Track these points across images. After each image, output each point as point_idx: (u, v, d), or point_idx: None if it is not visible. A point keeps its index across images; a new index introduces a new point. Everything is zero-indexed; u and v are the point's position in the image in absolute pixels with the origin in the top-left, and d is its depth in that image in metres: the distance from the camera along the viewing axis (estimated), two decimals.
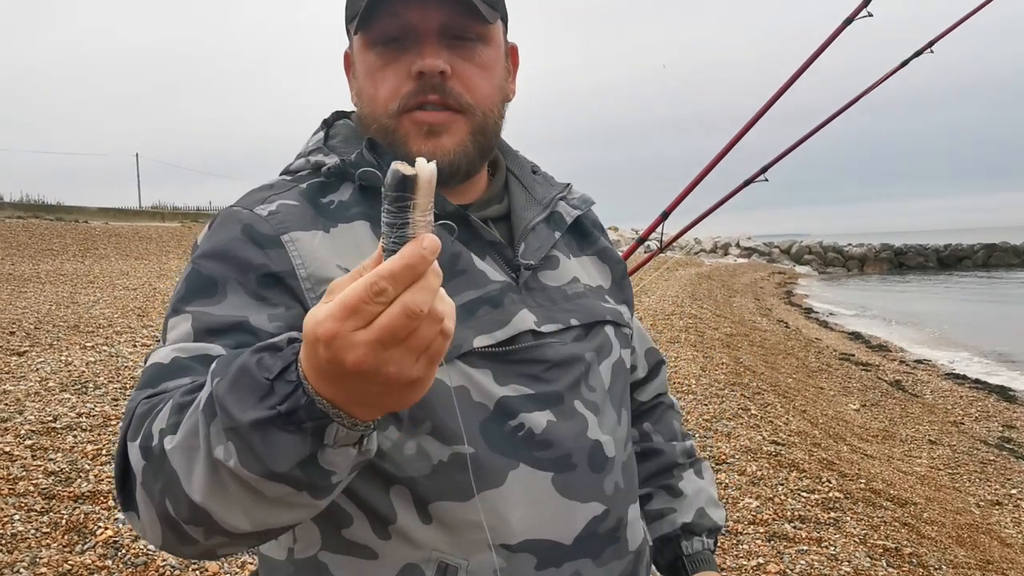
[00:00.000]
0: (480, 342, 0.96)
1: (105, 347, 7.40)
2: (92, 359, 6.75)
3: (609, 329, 1.10)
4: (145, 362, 0.87)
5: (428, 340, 0.61)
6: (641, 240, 2.57)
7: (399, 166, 0.59)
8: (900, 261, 45.80)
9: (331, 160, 1.02)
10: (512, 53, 1.10)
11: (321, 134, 1.10)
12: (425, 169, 0.59)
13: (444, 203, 0.99)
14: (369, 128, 1.03)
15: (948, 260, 45.96)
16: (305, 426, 0.65)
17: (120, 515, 3.56)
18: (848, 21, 2.49)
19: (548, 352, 1.01)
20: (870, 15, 2.43)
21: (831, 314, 20.99)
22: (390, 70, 0.99)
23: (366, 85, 1.02)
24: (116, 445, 0.81)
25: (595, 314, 1.08)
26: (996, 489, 6.40)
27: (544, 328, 1.01)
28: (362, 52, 1.02)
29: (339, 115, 1.14)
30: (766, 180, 2.67)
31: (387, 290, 0.58)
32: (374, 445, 0.72)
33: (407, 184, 0.59)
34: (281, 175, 1.07)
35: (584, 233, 1.17)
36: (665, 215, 2.54)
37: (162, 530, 0.74)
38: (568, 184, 1.17)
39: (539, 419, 0.97)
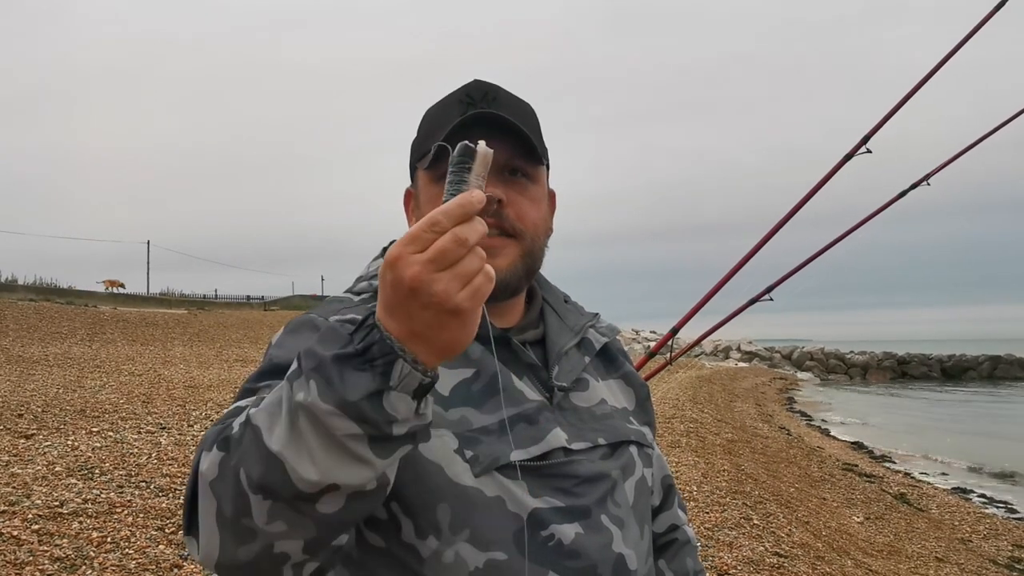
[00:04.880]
0: (517, 456, 1.06)
1: (111, 433, 7.44)
2: (98, 444, 6.79)
3: (633, 449, 1.20)
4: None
5: (472, 271, 0.75)
6: (652, 354, 2.69)
7: (466, 142, 0.79)
8: (903, 370, 45.61)
9: None
10: (551, 196, 1.25)
11: (381, 260, 1.23)
12: (483, 146, 0.79)
13: (489, 327, 1.12)
14: None
15: (952, 371, 45.74)
16: (376, 363, 0.76)
17: None
18: (848, 157, 2.68)
19: (578, 468, 1.10)
20: (869, 151, 2.63)
21: (833, 422, 20.85)
22: None
23: (428, 212, 1.16)
24: (187, 479, 0.91)
25: (620, 434, 1.18)
26: None
27: (574, 446, 1.11)
28: (427, 185, 1.16)
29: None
30: (771, 300, 2.81)
31: (441, 222, 0.74)
32: (429, 412, 0.82)
33: (468, 151, 0.78)
34: (345, 293, 1.21)
35: (611, 358, 1.29)
36: (675, 331, 2.68)
37: (221, 533, 0.82)
38: (596, 314, 1.30)
39: (568, 531, 1.06)
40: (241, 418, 0.84)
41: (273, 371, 1.01)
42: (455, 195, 0.77)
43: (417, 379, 0.78)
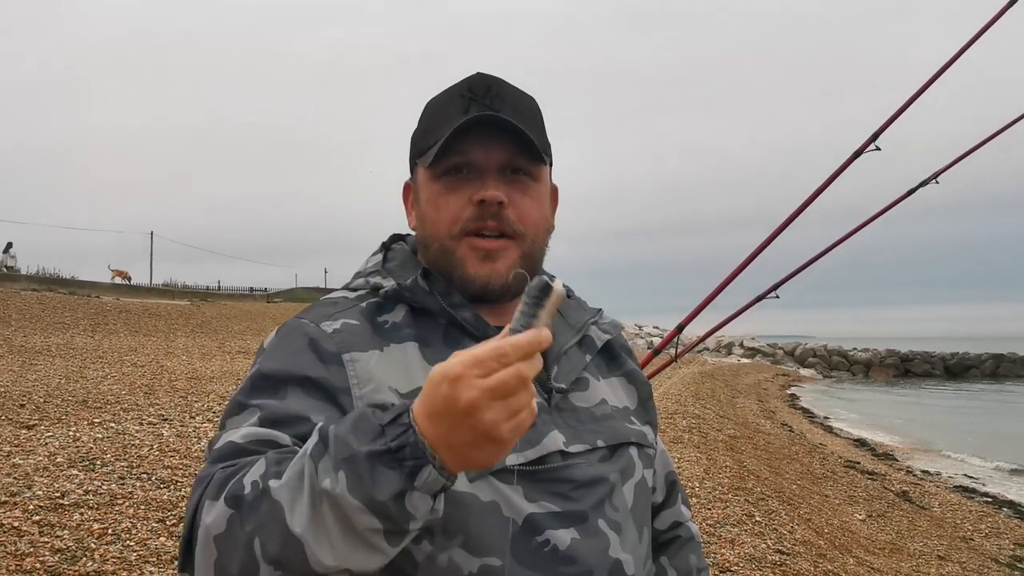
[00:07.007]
0: (512, 460, 1.02)
1: (112, 424, 7.43)
2: (100, 435, 6.79)
3: (633, 450, 1.16)
4: (211, 446, 0.96)
5: (521, 407, 0.78)
6: (656, 351, 2.67)
7: (545, 278, 0.81)
8: (906, 368, 45.59)
9: (388, 283, 1.13)
10: (553, 192, 1.22)
11: (380, 256, 1.21)
12: (559, 286, 0.81)
13: (485, 327, 1.10)
14: (429, 248, 1.14)
15: (955, 369, 45.69)
16: (406, 464, 0.79)
17: None
18: (857, 154, 2.66)
19: (575, 472, 1.07)
20: (878, 148, 2.60)
21: (835, 419, 20.84)
22: (453, 197, 1.11)
23: (429, 210, 1.14)
24: (184, 516, 0.92)
25: (620, 436, 1.15)
26: None
27: (572, 448, 1.08)
28: (427, 182, 1.14)
29: (395, 237, 1.26)
30: (777, 297, 2.79)
31: (509, 355, 0.76)
32: (441, 507, 0.84)
33: (546, 289, 0.80)
34: (342, 289, 1.19)
35: (613, 355, 1.26)
36: (680, 328, 2.66)
37: None
38: (599, 309, 1.27)
39: (564, 536, 1.03)
40: (253, 476, 0.85)
41: (263, 384, 1.02)
42: (524, 327, 0.79)
43: (440, 483, 0.81)
